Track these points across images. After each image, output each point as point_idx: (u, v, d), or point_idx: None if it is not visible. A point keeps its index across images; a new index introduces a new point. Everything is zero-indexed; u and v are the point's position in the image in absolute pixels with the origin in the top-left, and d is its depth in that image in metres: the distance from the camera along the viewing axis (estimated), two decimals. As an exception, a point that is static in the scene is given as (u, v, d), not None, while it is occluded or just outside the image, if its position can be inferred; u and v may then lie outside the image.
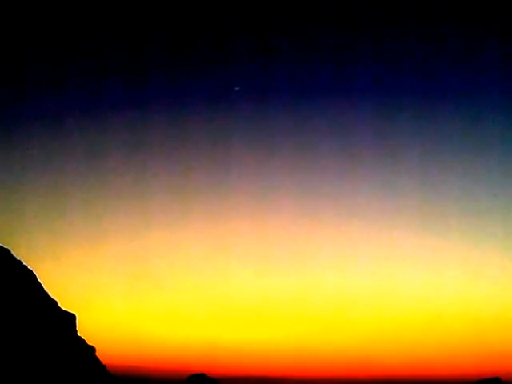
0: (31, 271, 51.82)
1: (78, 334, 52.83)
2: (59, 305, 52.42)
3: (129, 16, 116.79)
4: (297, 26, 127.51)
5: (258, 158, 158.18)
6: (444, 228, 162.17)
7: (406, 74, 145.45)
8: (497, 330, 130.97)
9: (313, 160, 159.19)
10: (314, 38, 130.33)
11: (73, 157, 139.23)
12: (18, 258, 51.65)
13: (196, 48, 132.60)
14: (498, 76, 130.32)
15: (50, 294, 52.23)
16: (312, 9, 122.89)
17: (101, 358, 54.08)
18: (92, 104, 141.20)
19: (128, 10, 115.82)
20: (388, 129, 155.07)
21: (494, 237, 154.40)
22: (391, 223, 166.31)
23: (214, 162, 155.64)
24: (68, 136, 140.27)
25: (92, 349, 53.23)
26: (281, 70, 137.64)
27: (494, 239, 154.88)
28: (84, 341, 53.07)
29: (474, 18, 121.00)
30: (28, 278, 51.17)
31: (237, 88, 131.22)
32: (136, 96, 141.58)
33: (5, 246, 51.55)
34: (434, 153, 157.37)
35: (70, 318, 52.44)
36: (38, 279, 52.00)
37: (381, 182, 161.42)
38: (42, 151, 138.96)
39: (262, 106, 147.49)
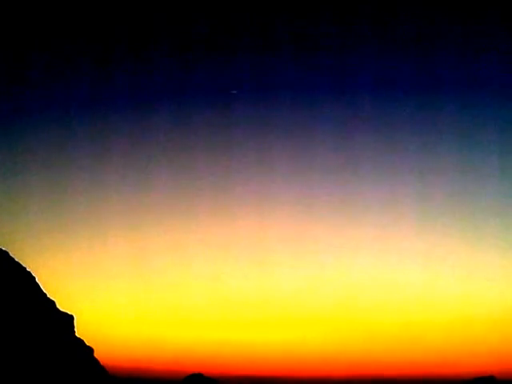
0: (29, 272, 51.72)
1: (77, 335, 52.81)
2: (57, 306, 52.39)
3: (130, 18, 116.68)
4: (296, 28, 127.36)
5: (258, 159, 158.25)
6: (442, 227, 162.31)
7: (406, 74, 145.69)
8: (492, 328, 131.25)
9: (313, 157, 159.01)
10: (314, 39, 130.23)
11: (72, 157, 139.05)
12: (16, 260, 51.61)
13: (196, 50, 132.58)
14: (498, 72, 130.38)
15: (48, 295, 52.20)
16: (311, 9, 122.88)
17: (99, 359, 54.12)
18: (93, 105, 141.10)
19: (130, 10, 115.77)
20: (388, 127, 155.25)
21: (492, 236, 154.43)
22: (391, 223, 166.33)
23: (214, 161, 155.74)
24: (68, 136, 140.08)
25: (90, 350, 53.21)
26: (279, 72, 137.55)
27: (492, 239, 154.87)
28: (83, 342, 53.02)
29: (473, 14, 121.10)
30: (26, 280, 51.08)
31: (234, 91, 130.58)
32: (137, 97, 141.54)
33: (3, 248, 51.51)
34: (434, 150, 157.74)
35: (68, 320, 52.39)
36: (36, 280, 51.95)
37: (381, 179, 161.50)
38: (42, 151, 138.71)
39: (261, 110, 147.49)
